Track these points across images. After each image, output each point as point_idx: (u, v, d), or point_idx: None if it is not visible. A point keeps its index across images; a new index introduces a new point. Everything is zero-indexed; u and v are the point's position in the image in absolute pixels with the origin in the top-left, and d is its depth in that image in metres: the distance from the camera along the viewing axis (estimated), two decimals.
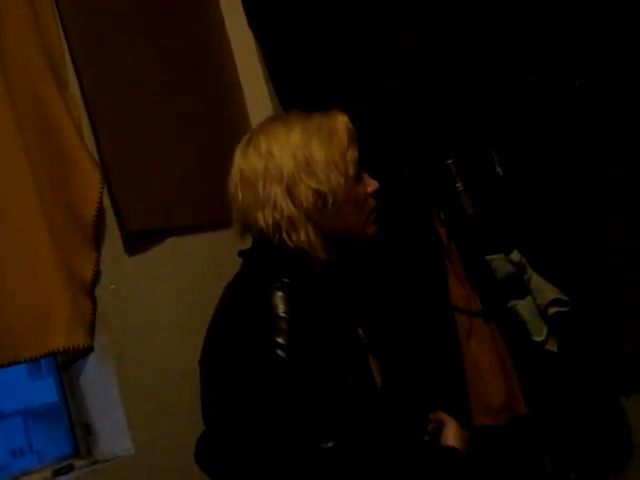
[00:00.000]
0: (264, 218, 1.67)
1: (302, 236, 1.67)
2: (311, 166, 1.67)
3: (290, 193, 1.67)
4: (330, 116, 1.76)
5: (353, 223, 1.73)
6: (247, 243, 1.79)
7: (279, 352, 1.55)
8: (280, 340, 1.56)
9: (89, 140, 2.39)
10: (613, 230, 2.65)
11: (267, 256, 1.71)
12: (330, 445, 1.51)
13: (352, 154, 1.73)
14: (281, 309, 1.59)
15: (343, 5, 2.82)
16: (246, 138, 1.77)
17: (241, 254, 1.77)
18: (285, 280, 1.64)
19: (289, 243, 1.67)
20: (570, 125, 2.72)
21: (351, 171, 1.72)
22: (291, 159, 1.68)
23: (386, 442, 1.66)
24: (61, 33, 2.40)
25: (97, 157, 2.39)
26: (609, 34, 2.65)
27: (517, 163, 2.75)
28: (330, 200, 1.68)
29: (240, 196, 1.72)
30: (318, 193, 1.67)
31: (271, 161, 1.69)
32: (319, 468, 1.52)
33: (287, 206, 1.66)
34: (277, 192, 1.67)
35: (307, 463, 1.53)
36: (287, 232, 1.67)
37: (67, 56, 2.41)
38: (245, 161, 1.73)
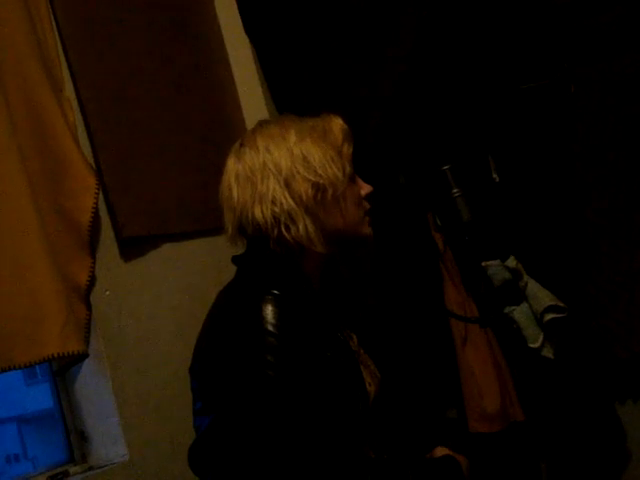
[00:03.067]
0: (262, 213, 1.67)
1: (301, 229, 1.66)
2: (308, 161, 1.68)
3: (289, 187, 1.67)
4: (323, 117, 1.78)
5: (351, 220, 1.74)
6: (239, 248, 1.77)
7: (268, 370, 1.55)
8: (269, 358, 1.56)
9: (84, 145, 2.38)
10: (608, 237, 2.65)
11: (258, 263, 1.71)
12: (310, 459, 1.53)
13: (347, 151, 1.75)
14: (271, 324, 1.58)
15: (338, 10, 2.82)
16: (238, 142, 1.78)
17: (235, 260, 1.77)
18: (275, 292, 1.63)
19: (287, 237, 1.67)
20: (566, 131, 2.72)
21: (348, 167, 1.73)
22: (288, 155, 1.69)
23: (369, 459, 1.67)
24: (57, 37, 2.39)
25: (92, 162, 2.38)
26: (605, 40, 2.66)
27: (513, 169, 2.75)
28: (330, 192, 1.69)
29: (235, 195, 1.71)
30: (317, 186, 1.68)
31: (268, 157, 1.69)
32: None
33: (286, 200, 1.66)
34: (275, 187, 1.67)
35: (287, 476, 1.54)
36: (286, 225, 1.67)
37: (62, 60, 2.40)
38: (240, 162, 1.73)
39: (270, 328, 1.57)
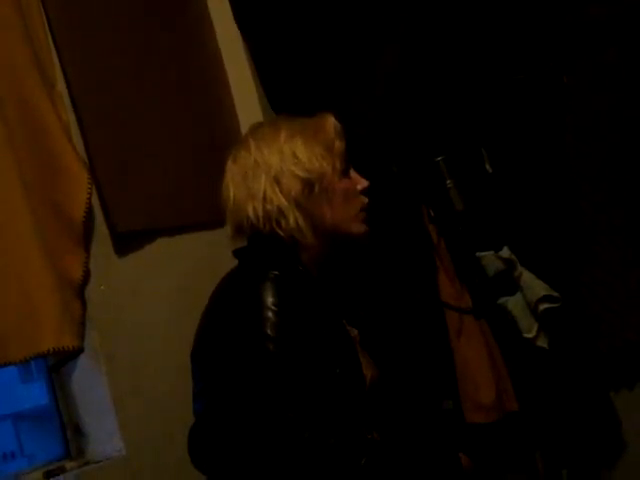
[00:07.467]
0: (254, 210, 1.72)
1: (291, 222, 1.70)
2: (298, 158, 1.73)
3: (279, 184, 1.71)
4: (316, 116, 1.82)
5: (342, 216, 1.76)
6: (238, 244, 1.81)
7: (268, 344, 1.59)
8: (269, 332, 1.60)
9: (77, 141, 2.38)
10: (602, 227, 2.66)
11: (258, 249, 1.75)
12: (307, 436, 1.55)
13: (339, 148, 1.78)
14: (270, 301, 1.62)
15: (332, 5, 2.82)
16: (235, 146, 1.82)
17: (236, 253, 1.80)
18: (274, 272, 1.67)
19: (279, 231, 1.71)
20: (559, 122, 2.73)
21: (338, 164, 1.76)
22: (278, 153, 1.73)
23: (366, 439, 1.68)
24: (48, 31, 2.38)
25: (86, 158, 2.38)
26: (598, 31, 2.66)
27: (506, 160, 2.76)
28: (317, 187, 1.72)
29: (232, 194, 1.76)
30: (305, 181, 1.72)
31: (259, 156, 1.74)
32: (295, 458, 1.56)
33: (276, 196, 1.71)
34: (266, 184, 1.72)
35: (283, 453, 1.57)
36: (277, 221, 1.71)
37: (54, 55, 2.39)
38: (236, 163, 1.78)
39: (269, 304, 1.62)
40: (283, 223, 1.71)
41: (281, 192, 1.71)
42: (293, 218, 1.70)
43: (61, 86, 2.39)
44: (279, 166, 1.72)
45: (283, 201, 1.70)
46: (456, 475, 1.72)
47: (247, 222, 1.73)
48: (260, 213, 1.71)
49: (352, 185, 1.79)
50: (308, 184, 1.72)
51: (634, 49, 2.63)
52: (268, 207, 1.71)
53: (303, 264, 1.74)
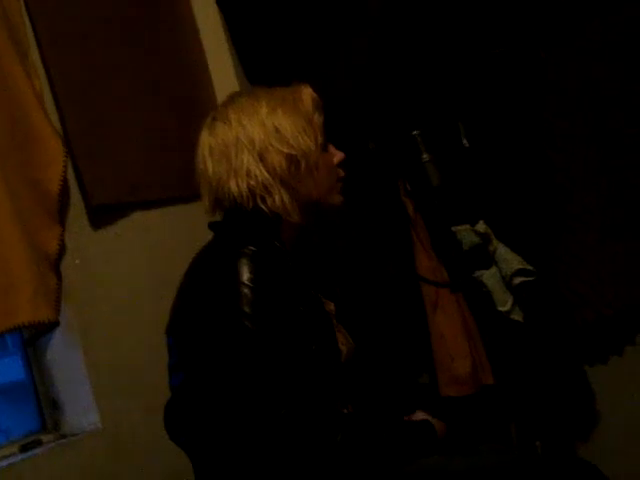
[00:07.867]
0: (237, 186, 1.70)
1: (277, 200, 1.70)
2: (280, 133, 1.71)
3: (263, 160, 1.70)
4: (293, 87, 1.81)
5: (325, 189, 1.77)
6: (216, 217, 1.81)
7: (244, 321, 1.59)
8: (246, 309, 1.59)
9: (52, 112, 2.36)
10: (577, 200, 2.67)
11: (235, 225, 1.74)
12: (283, 412, 1.55)
13: (318, 120, 1.78)
14: (246, 277, 1.62)
15: None
16: (211, 116, 1.80)
17: (211, 226, 1.80)
18: (251, 248, 1.66)
19: (263, 208, 1.71)
20: (535, 97, 2.73)
21: (320, 136, 1.76)
22: (260, 127, 1.72)
23: (342, 415, 1.70)
24: (21, 1, 2.35)
25: (60, 130, 2.36)
26: (575, 5, 2.66)
27: (483, 134, 2.76)
28: (303, 164, 1.72)
29: (210, 168, 1.74)
30: (290, 158, 1.71)
31: (241, 131, 1.72)
32: (271, 435, 1.57)
33: (260, 173, 1.70)
34: (250, 160, 1.70)
35: (260, 429, 1.57)
36: (262, 197, 1.71)
37: (27, 23, 2.36)
38: (213, 135, 1.76)
39: (246, 281, 1.61)
40: (269, 201, 1.71)
41: (265, 168, 1.70)
42: (278, 195, 1.70)
43: (34, 55, 2.36)
44: (262, 142, 1.70)
45: (268, 177, 1.70)
46: (431, 447, 1.74)
47: (229, 197, 1.72)
48: (244, 189, 1.70)
49: (331, 158, 1.80)
50: (293, 160, 1.71)
51: (621, 21, 2.62)
52: (252, 183, 1.70)
53: (281, 239, 1.73)
